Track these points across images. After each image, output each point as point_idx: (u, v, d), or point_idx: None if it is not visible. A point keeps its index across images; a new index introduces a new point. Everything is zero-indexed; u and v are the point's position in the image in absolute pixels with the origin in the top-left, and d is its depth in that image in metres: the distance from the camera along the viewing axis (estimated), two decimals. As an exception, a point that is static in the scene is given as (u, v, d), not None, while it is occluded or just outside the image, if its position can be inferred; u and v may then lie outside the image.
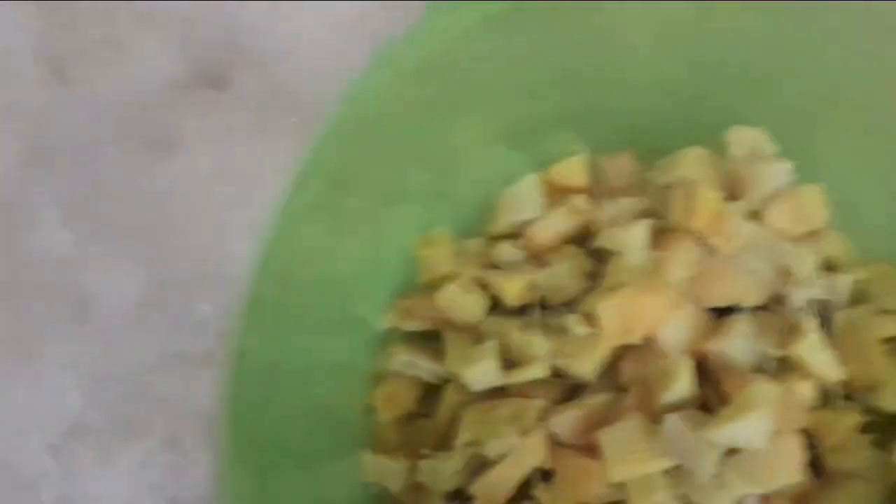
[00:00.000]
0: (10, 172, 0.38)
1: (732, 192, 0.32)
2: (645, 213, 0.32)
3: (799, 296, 0.30)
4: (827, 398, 0.30)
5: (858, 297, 0.32)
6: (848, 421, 0.30)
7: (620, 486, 0.28)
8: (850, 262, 0.33)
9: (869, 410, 0.31)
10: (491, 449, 0.29)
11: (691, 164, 0.31)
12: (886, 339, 0.32)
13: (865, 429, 0.31)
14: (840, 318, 0.31)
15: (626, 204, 0.33)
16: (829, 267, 0.33)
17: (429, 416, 0.33)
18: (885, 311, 0.32)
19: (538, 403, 0.30)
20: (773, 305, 0.31)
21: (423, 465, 0.31)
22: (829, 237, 0.33)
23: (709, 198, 0.30)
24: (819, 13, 0.30)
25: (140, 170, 0.39)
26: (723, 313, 0.31)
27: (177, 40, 0.39)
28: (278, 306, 0.31)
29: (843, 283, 0.31)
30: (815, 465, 0.30)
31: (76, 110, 0.39)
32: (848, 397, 0.31)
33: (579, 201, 0.33)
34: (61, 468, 0.36)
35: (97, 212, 0.38)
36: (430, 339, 0.34)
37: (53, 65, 0.39)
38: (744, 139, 0.32)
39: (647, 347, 0.30)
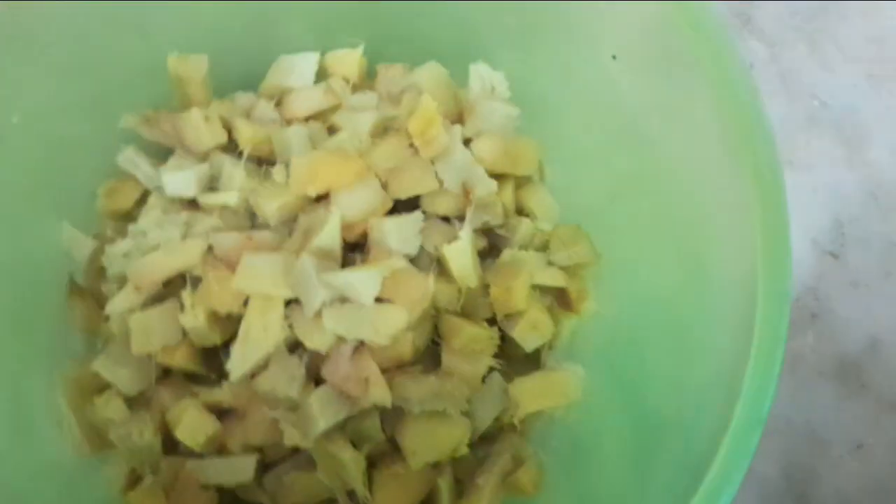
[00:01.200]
0: None
1: (459, 117, 0.36)
2: (383, 112, 0.36)
3: (472, 216, 0.34)
4: (465, 309, 0.34)
5: (541, 248, 0.36)
6: (474, 332, 0.33)
7: (245, 301, 0.31)
8: (544, 216, 0.36)
9: (511, 345, 0.35)
10: (151, 238, 0.32)
11: (426, 75, 0.35)
12: (541, 286, 0.35)
13: (504, 358, 0.34)
14: (507, 254, 0.35)
15: (370, 98, 0.36)
16: (524, 213, 0.36)
17: (139, 220, 0.36)
18: (550, 264, 0.35)
19: (213, 221, 0.33)
20: (455, 221, 0.35)
21: (107, 248, 0.34)
22: (534, 189, 0.36)
23: (427, 105, 0.34)
24: None
25: None
26: (407, 210, 0.34)
27: None
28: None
29: (524, 226, 0.35)
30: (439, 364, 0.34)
31: None
32: (492, 323, 0.34)
33: (336, 84, 0.37)
34: None
35: None
36: (167, 157, 0.37)
37: None
38: (483, 75, 0.35)
39: (324, 206, 0.33)
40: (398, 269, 0.31)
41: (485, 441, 0.35)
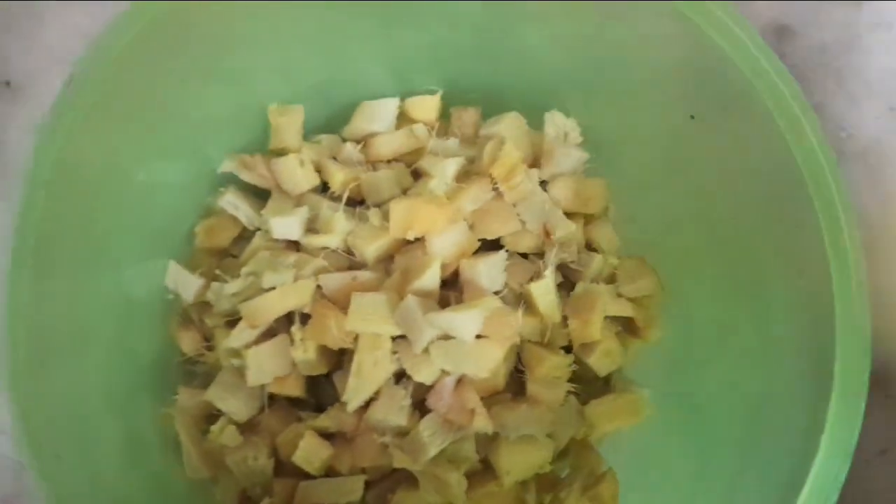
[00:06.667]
0: None
1: (535, 161, 0.39)
2: (464, 156, 0.39)
3: (552, 253, 0.37)
4: (548, 340, 0.37)
5: (608, 280, 0.39)
6: (555, 361, 0.36)
7: (355, 338, 0.34)
8: (610, 250, 0.39)
9: (583, 368, 0.38)
10: (266, 280, 0.35)
11: (508, 125, 0.38)
12: (613, 317, 0.38)
13: (576, 381, 0.37)
14: (581, 287, 0.38)
15: (452, 144, 0.39)
16: (593, 248, 0.39)
17: (237, 256, 0.39)
18: (620, 295, 0.39)
19: (319, 262, 0.36)
20: (532, 257, 0.38)
21: (213, 285, 0.37)
22: (601, 225, 0.40)
23: (510, 153, 0.37)
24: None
25: None
26: (492, 248, 0.37)
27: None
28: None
29: (595, 261, 0.38)
30: (520, 388, 0.37)
31: None
32: (569, 350, 0.38)
33: (419, 130, 0.40)
34: None
35: None
36: (260, 197, 0.40)
37: None
38: (558, 123, 0.38)
39: (419, 248, 0.36)
40: (492, 304, 0.34)
41: (560, 456, 0.39)
